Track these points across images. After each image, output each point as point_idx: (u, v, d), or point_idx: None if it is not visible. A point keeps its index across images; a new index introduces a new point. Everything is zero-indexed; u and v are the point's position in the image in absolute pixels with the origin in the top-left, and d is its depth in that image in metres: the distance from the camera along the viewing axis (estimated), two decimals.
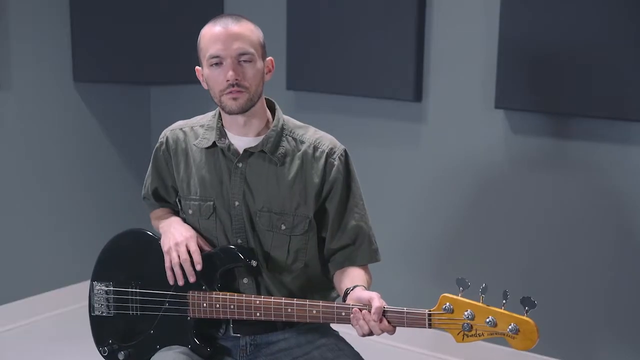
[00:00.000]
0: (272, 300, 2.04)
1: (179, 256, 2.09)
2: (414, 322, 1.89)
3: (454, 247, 3.50)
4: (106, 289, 2.21)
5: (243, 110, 2.06)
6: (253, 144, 2.12)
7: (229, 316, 2.08)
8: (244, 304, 2.05)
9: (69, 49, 3.88)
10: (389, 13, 3.41)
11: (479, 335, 1.82)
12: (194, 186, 2.17)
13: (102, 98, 4.08)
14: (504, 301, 1.80)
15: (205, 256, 2.10)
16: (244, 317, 2.06)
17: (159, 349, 2.14)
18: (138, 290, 2.17)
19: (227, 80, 2.02)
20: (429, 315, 1.87)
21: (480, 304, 1.82)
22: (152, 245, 2.18)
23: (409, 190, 3.56)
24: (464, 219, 3.47)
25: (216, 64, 2.04)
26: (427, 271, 3.58)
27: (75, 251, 4.05)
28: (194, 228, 2.18)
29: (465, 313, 1.82)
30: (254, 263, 2.08)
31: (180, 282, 2.09)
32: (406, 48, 3.41)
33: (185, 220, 2.22)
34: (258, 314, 2.04)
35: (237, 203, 2.12)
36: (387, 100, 3.51)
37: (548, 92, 3.13)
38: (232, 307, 2.06)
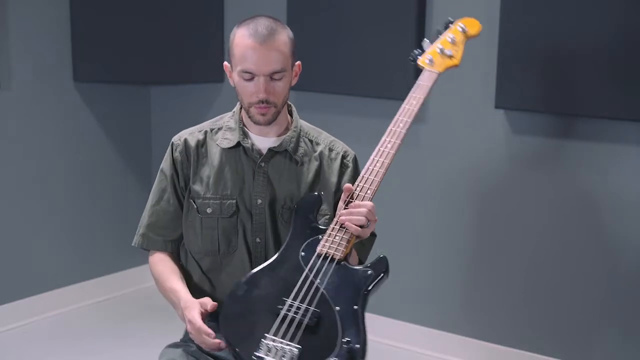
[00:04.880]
0: None
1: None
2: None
3: (454, 247, 3.50)
4: (268, 343, 1.94)
5: (269, 123, 2.12)
6: (275, 144, 2.16)
7: None
8: None
9: (69, 49, 3.88)
10: (389, 13, 3.41)
11: (458, 50, 2.28)
12: (213, 185, 2.17)
13: (102, 98, 4.08)
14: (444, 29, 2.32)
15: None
16: None
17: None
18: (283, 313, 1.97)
19: (258, 97, 2.06)
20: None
21: (439, 42, 2.29)
22: (261, 279, 2.03)
23: (408, 190, 3.56)
24: (464, 218, 3.47)
25: (248, 78, 2.07)
26: (426, 270, 3.58)
27: (76, 251, 4.05)
28: (210, 227, 2.16)
29: (439, 48, 2.28)
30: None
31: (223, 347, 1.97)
32: (406, 48, 3.40)
33: (199, 223, 2.18)
34: None
35: (259, 201, 2.15)
36: (387, 100, 3.51)
37: (548, 92, 3.13)
38: None
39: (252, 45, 2.04)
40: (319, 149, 2.22)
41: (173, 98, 4.26)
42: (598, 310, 3.21)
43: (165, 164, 2.23)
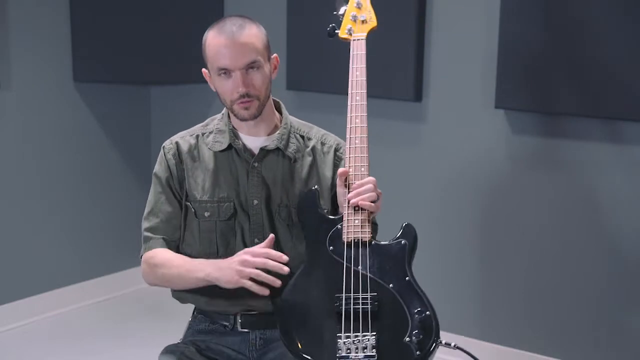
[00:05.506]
0: None
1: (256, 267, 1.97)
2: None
3: (454, 247, 3.50)
4: (345, 341, 1.95)
5: (255, 117, 2.12)
6: (266, 143, 2.17)
7: None
8: None
9: (69, 49, 3.88)
10: (389, 13, 3.41)
11: (370, 12, 2.29)
12: (210, 189, 2.17)
13: (102, 98, 4.08)
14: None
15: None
16: None
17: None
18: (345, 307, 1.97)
19: (238, 92, 2.07)
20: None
21: (348, 11, 2.30)
22: (303, 286, 2.03)
23: (408, 190, 3.56)
24: (464, 218, 3.47)
25: (225, 73, 2.08)
26: (425, 270, 3.57)
27: (76, 251, 4.05)
28: (208, 230, 2.17)
29: (352, 16, 2.29)
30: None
31: (278, 283, 1.97)
32: (406, 48, 3.41)
33: (197, 226, 2.18)
34: None
35: (255, 202, 2.15)
36: (387, 100, 3.51)
37: (548, 92, 3.13)
38: None
39: (223, 42, 2.06)
40: (311, 144, 2.22)
41: (173, 98, 4.26)
42: (598, 310, 3.21)
43: (159, 168, 2.22)
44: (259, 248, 2.01)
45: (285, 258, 1.97)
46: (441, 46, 3.41)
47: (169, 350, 2.15)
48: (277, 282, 1.97)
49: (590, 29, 3.00)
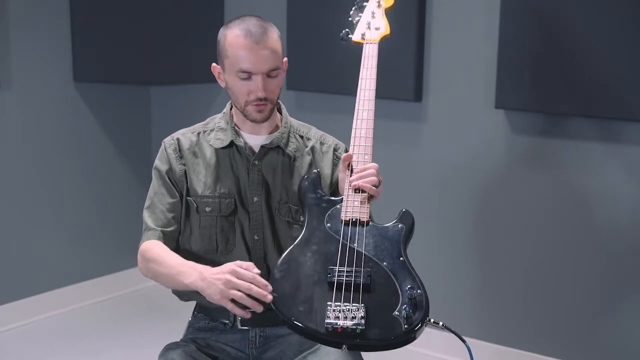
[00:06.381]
0: None
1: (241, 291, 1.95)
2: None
3: (453, 247, 3.50)
4: (334, 309, 1.92)
5: (266, 120, 2.16)
6: (266, 142, 2.20)
7: None
8: None
9: (69, 49, 3.89)
10: (389, 13, 3.41)
11: (383, 21, 2.38)
12: (211, 184, 2.19)
13: (102, 98, 4.08)
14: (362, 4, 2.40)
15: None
16: None
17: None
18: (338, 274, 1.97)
19: (256, 95, 2.10)
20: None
21: (364, 17, 2.37)
22: (297, 258, 2.02)
23: (408, 190, 3.56)
24: (463, 218, 3.47)
25: (245, 77, 2.10)
26: (425, 270, 3.57)
27: (76, 251, 4.05)
28: (208, 226, 2.18)
29: (366, 23, 2.36)
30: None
31: (260, 309, 1.96)
32: (406, 48, 3.41)
33: (198, 222, 2.19)
34: None
35: (255, 199, 2.18)
36: (387, 100, 3.51)
37: (548, 92, 3.14)
38: None
39: (248, 46, 2.08)
40: (310, 143, 2.26)
41: (173, 98, 4.26)
42: (598, 310, 3.21)
43: (159, 162, 2.24)
44: (247, 272, 1.96)
45: (270, 288, 1.95)
46: (441, 46, 3.41)
47: (169, 348, 2.15)
48: (269, 297, 1.94)
49: (589, 29, 3.00)
